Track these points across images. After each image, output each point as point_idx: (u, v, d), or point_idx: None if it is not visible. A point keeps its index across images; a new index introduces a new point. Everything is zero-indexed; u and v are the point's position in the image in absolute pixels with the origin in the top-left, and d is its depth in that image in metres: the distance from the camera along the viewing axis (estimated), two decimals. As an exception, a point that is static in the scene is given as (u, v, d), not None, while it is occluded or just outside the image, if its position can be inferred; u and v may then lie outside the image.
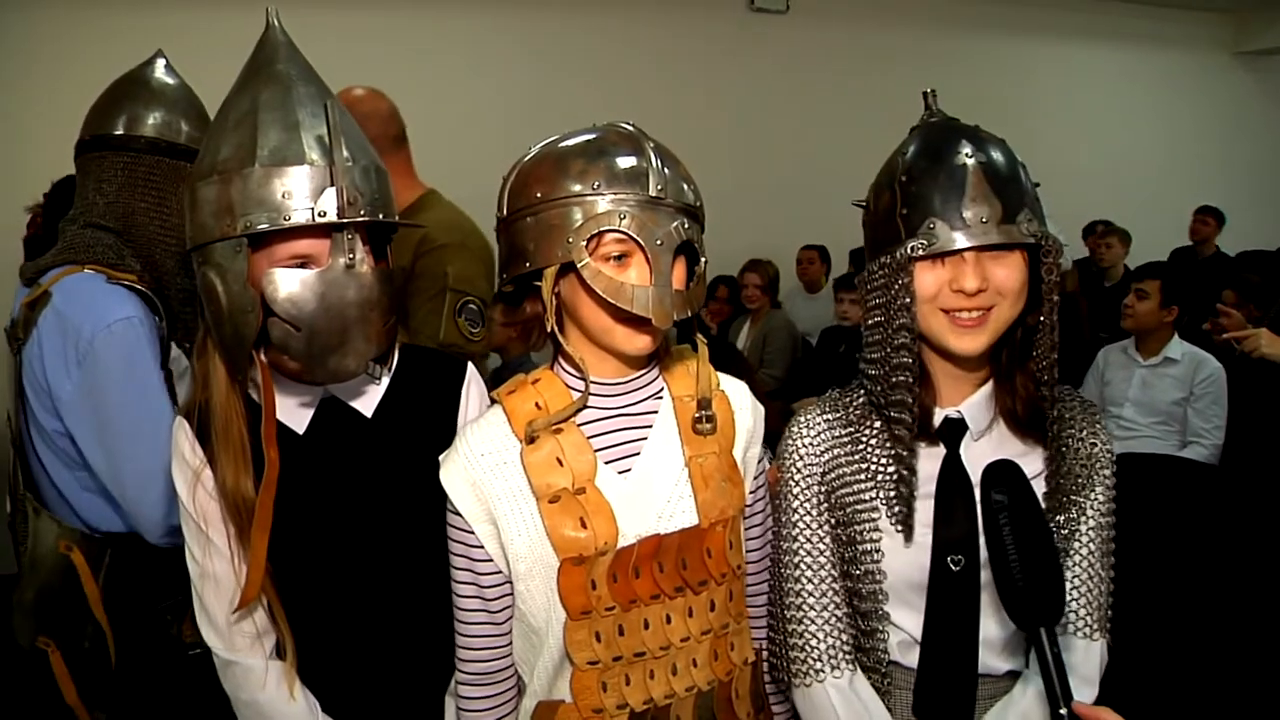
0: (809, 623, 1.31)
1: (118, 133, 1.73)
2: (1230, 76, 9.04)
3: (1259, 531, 3.09)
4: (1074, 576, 1.26)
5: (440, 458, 1.30)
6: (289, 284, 1.21)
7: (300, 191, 1.19)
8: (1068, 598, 1.23)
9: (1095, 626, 1.25)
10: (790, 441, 1.35)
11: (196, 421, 1.30)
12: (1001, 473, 1.08)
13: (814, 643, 1.30)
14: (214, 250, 1.21)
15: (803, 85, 6.69)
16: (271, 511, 1.26)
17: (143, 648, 1.73)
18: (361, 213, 1.22)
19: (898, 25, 7.06)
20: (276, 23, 1.31)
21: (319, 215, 1.19)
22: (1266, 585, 3.00)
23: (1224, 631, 2.88)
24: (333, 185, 1.20)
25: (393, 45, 5.36)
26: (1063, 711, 0.94)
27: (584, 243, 1.17)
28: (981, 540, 1.20)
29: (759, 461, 1.41)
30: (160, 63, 1.84)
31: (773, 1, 6.56)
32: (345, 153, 1.22)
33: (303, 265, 1.22)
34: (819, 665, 1.29)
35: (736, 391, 1.39)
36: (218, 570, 1.31)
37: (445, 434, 1.37)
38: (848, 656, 1.30)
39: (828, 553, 1.31)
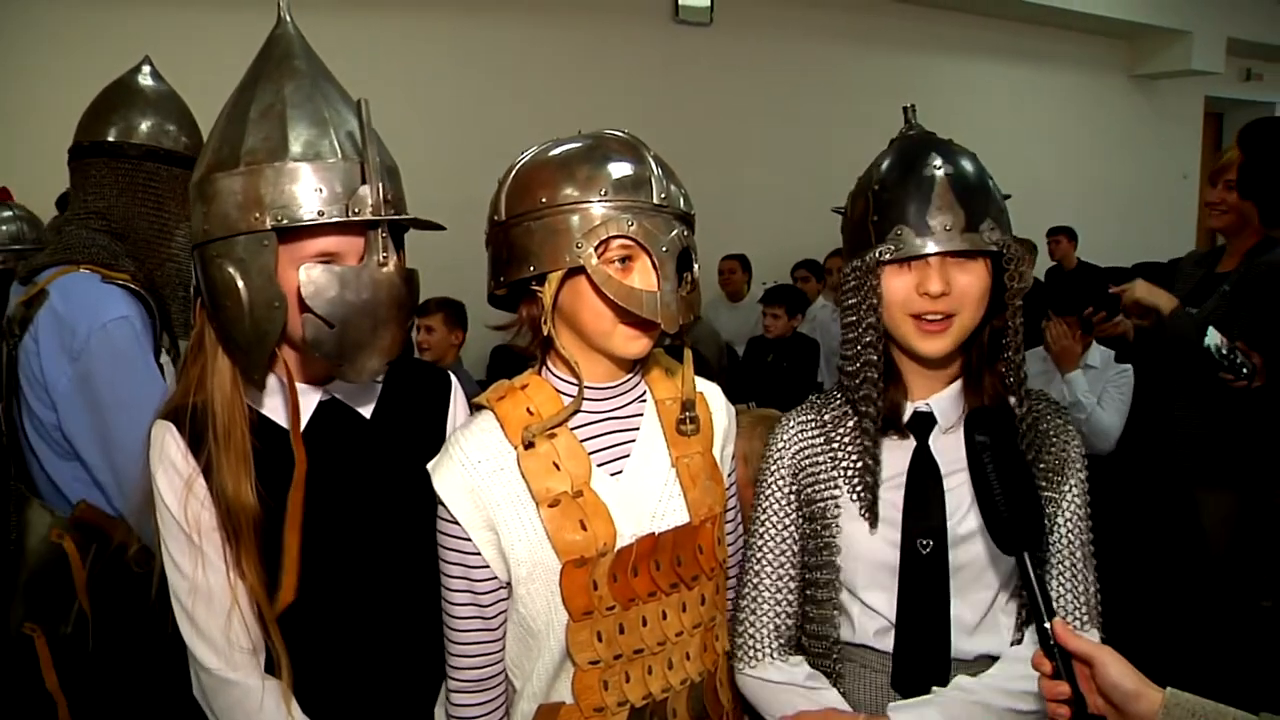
0: (758, 609, 1.37)
1: (111, 140, 1.80)
2: (1126, 99, 9.54)
3: (1150, 515, 3.32)
4: (1056, 567, 1.30)
5: (429, 466, 1.28)
6: (327, 280, 1.17)
7: (333, 187, 1.16)
8: (1052, 590, 1.29)
9: (1086, 618, 1.29)
10: (769, 443, 1.42)
11: (188, 426, 1.23)
12: (984, 416, 1.17)
13: (760, 627, 1.36)
14: (236, 244, 1.16)
15: (725, 97, 6.80)
16: (302, 510, 1.22)
17: (123, 636, 1.74)
18: (393, 211, 1.20)
19: (816, 40, 7.24)
20: (289, 18, 1.27)
21: (354, 212, 1.16)
22: (1157, 562, 3.23)
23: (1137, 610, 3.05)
24: (365, 183, 1.17)
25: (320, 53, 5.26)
26: (1046, 625, 1.03)
27: (593, 248, 1.19)
28: (949, 524, 1.28)
29: (731, 459, 1.45)
30: (147, 69, 1.90)
31: (697, 14, 6.66)
32: (375, 151, 1.19)
33: (327, 262, 1.19)
34: (762, 649, 1.35)
35: (713, 394, 1.43)
36: (211, 584, 1.23)
37: (436, 439, 1.36)
38: (789, 645, 1.36)
39: (789, 551, 1.37)
